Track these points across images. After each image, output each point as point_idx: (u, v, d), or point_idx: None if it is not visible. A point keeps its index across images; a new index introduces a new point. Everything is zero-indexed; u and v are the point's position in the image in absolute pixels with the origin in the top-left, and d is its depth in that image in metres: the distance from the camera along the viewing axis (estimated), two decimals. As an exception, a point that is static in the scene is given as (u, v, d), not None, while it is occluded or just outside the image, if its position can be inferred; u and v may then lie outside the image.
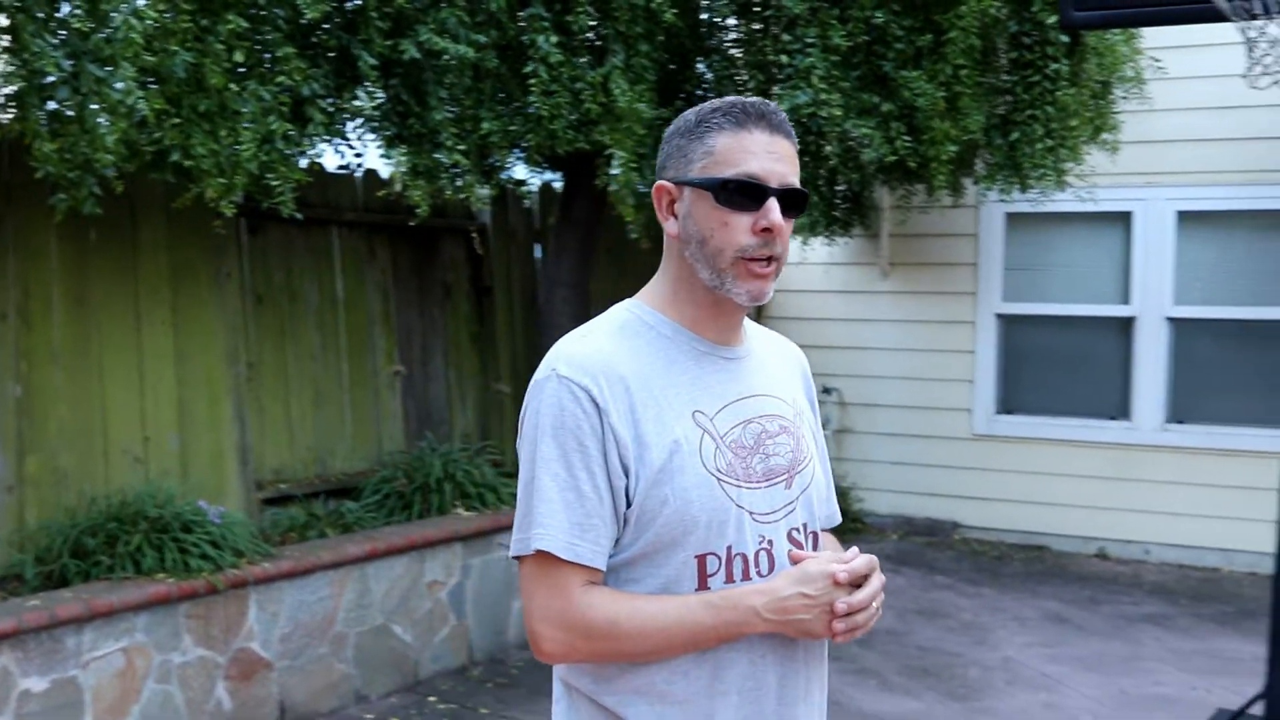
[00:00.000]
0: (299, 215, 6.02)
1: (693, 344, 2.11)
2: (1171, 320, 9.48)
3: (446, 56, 5.92)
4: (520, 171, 8.14)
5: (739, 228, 2.02)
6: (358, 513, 6.74)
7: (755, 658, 2.05)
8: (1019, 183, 7.80)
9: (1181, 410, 9.51)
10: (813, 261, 10.35)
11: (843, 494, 10.24)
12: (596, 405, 1.99)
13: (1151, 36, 8.37)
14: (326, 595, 6.04)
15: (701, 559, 2.02)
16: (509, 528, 7.19)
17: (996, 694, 6.49)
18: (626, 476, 2.00)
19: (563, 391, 2.01)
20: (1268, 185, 8.80)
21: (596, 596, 2.00)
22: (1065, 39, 7.26)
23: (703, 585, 2.02)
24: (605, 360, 2.04)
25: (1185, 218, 9.43)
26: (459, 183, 6.45)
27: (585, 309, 8.00)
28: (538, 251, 8.62)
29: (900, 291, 10.33)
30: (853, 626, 2.02)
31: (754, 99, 2.07)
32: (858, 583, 2.03)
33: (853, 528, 10.08)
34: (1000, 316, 10.02)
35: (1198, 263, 9.46)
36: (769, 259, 2.05)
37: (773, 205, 2.02)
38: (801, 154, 6.86)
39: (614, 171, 6.53)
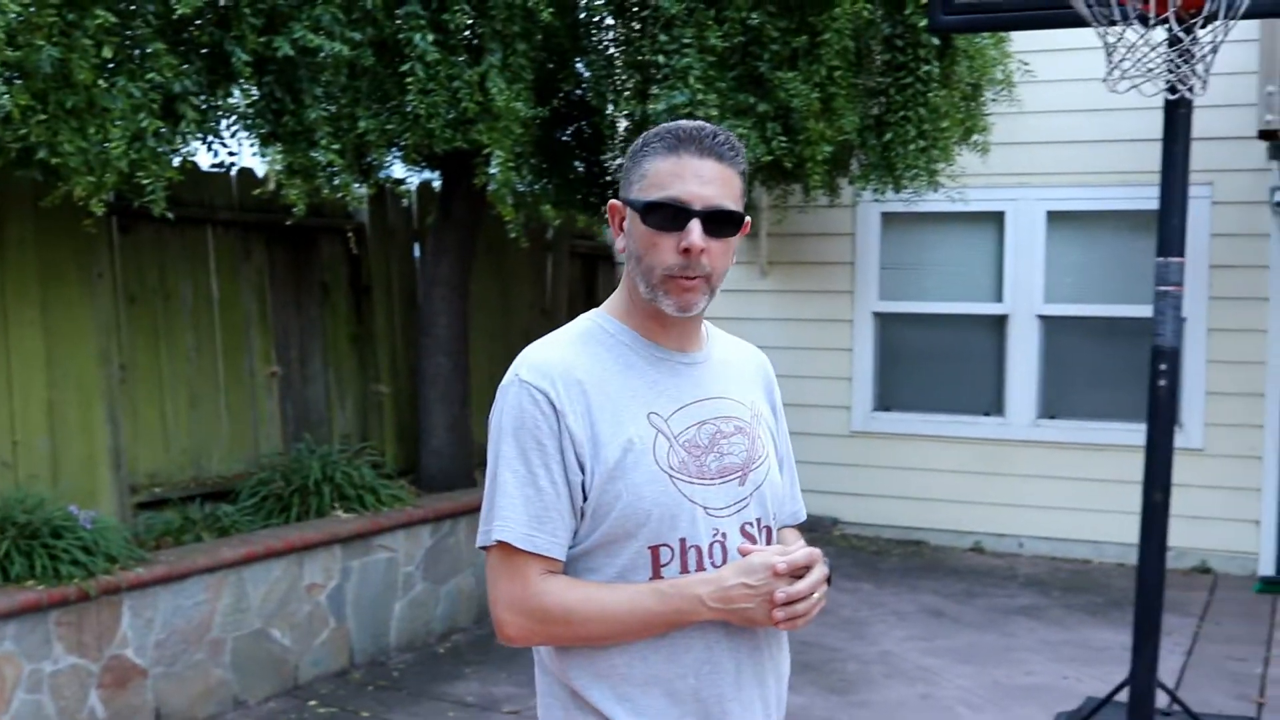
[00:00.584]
0: (170, 215, 5.92)
1: (650, 350, 2.25)
2: (1042, 318, 9.69)
3: (322, 54, 5.86)
4: (398, 170, 8.11)
5: (665, 248, 2.15)
6: (234, 516, 6.64)
7: (711, 642, 2.19)
8: (893, 183, 7.92)
9: (1052, 405, 9.73)
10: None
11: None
12: (554, 406, 2.14)
13: (1020, 40, 8.55)
14: (202, 600, 5.95)
15: (655, 550, 2.16)
16: (389, 529, 7.14)
17: (874, 687, 6.58)
18: (583, 472, 2.15)
19: (523, 395, 2.16)
20: (1133, 186, 9.02)
21: (553, 584, 2.15)
22: (936, 42, 7.39)
23: (656, 574, 2.17)
24: (565, 366, 2.19)
25: (1055, 217, 9.64)
26: (336, 182, 6.39)
27: (465, 308, 7.97)
28: (417, 251, 8.56)
29: (779, 290, 10.43)
30: (793, 615, 2.12)
31: (694, 123, 2.19)
32: (798, 574, 2.14)
33: (734, 525, 10.14)
34: (877, 315, 10.17)
35: (1067, 261, 9.68)
36: (695, 276, 2.16)
37: (694, 227, 2.12)
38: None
39: (492, 171, 6.51)
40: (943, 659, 7.05)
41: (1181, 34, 4.14)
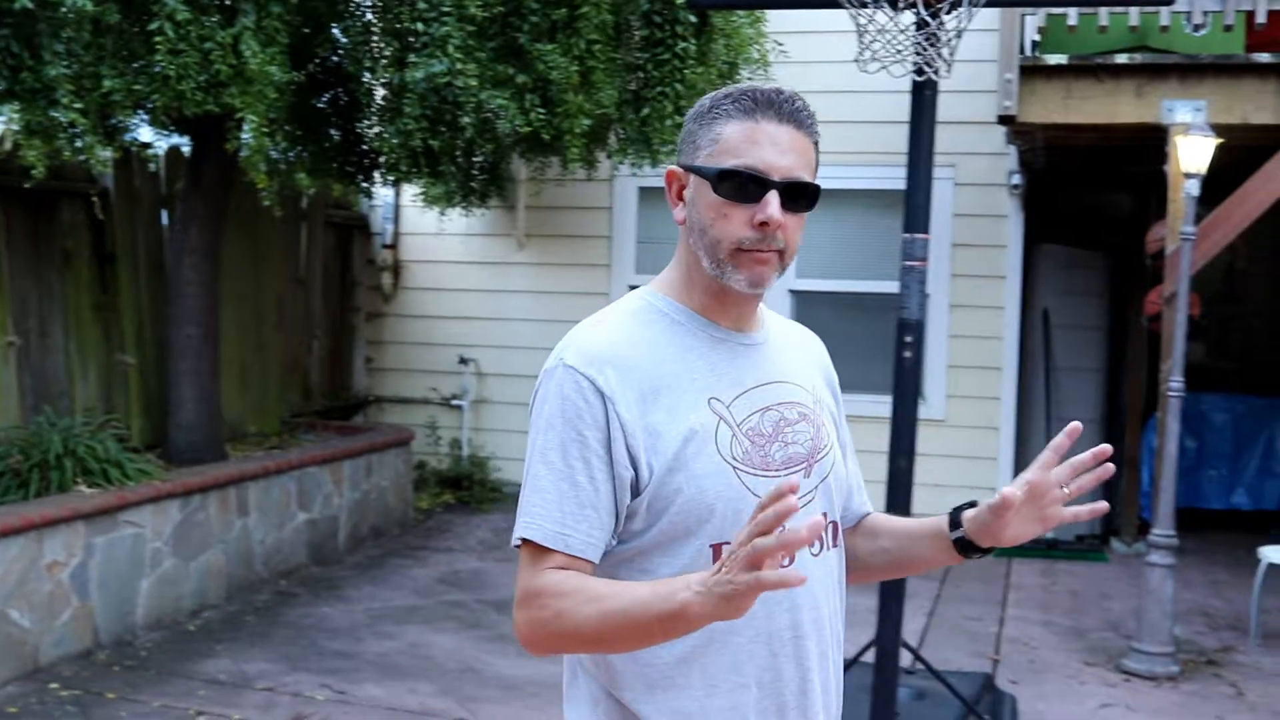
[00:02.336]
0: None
1: (707, 330, 2.05)
2: (794, 292, 9.93)
3: (63, 8, 5.61)
4: (146, 134, 7.82)
5: (737, 220, 1.96)
6: (-32, 492, 6.34)
7: (776, 648, 1.99)
8: (650, 157, 7.99)
9: (802, 378, 9.97)
10: (450, 233, 10.34)
11: (481, 464, 10.30)
12: (601, 395, 1.94)
13: (775, 20, 8.72)
14: (-67, 580, 5.66)
15: (717, 549, 1.94)
16: (135, 505, 6.89)
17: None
18: (635, 468, 1.93)
19: (567, 381, 1.96)
20: (881, 166, 9.32)
21: (558, 575, 1.90)
22: (694, 19, 7.49)
23: None
24: (615, 348, 1.99)
25: (807, 195, 9.88)
26: (78, 143, 6.13)
27: (215, 277, 7.76)
28: (165, 218, 8.29)
29: (536, 263, 10.45)
30: (765, 551, 1.63)
31: (771, 87, 2.00)
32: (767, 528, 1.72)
33: (491, 496, 10.15)
34: (633, 289, 10.21)
35: (817, 238, 9.94)
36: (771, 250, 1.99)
37: (771, 199, 1.94)
38: (437, 123, 6.89)
39: (245, 136, 6.35)
40: (697, 625, 7.19)
41: (929, 18, 4.30)
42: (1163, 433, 6.75)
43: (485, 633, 6.91)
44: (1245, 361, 12.44)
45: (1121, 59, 7.39)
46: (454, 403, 10.56)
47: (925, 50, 3.91)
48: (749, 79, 8.45)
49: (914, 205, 4.25)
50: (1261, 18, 7.29)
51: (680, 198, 2.06)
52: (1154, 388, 8.01)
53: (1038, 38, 7.94)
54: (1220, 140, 6.60)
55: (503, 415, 10.51)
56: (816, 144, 2.02)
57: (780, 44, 8.68)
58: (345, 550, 8.50)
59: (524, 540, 1.94)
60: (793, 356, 2.16)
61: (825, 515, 2.06)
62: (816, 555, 2.05)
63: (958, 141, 9.29)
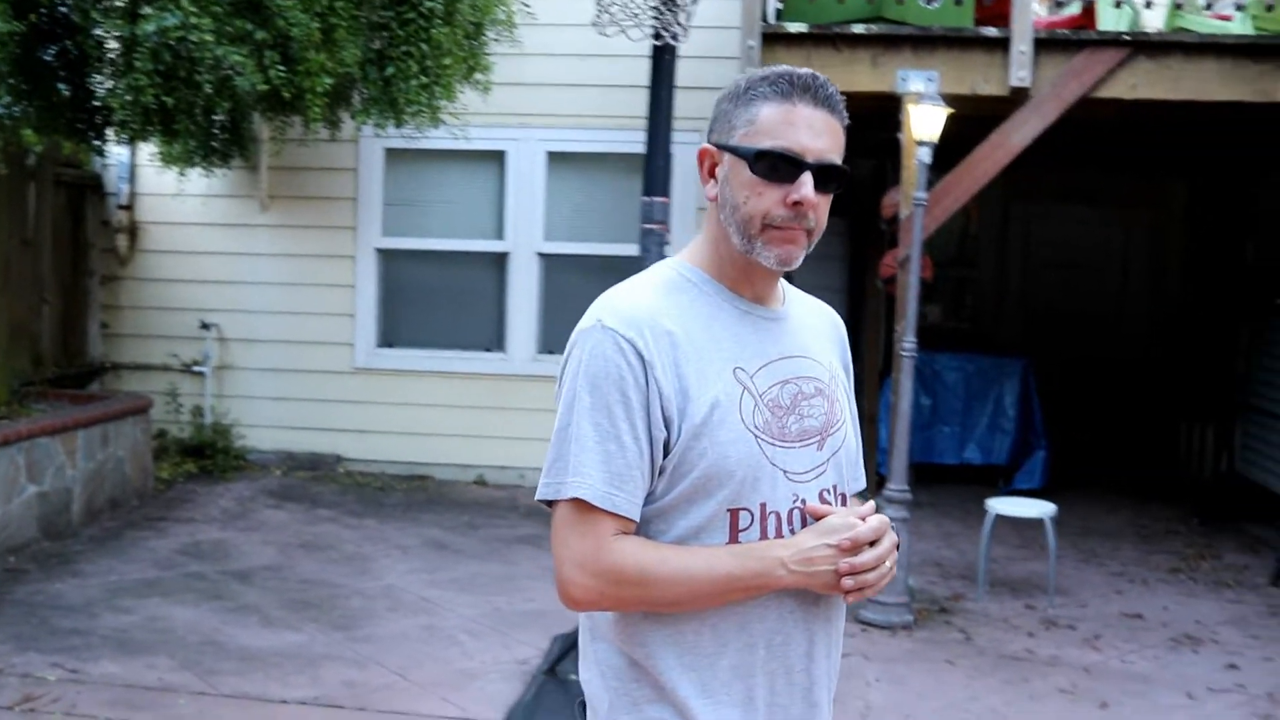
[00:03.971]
0: None
1: (734, 303, 2.14)
2: (542, 256, 9.94)
3: None
4: None
5: (770, 198, 2.05)
6: None
7: (784, 612, 2.09)
8: (395, 118, 7.87)
9: (552, 341, 10.03)
10: (190, 193, 9.98)
11: (224, 431, 10.03)
12: (641, 358, 2.02)
13: (522, -18, 8.68)
14: None
15: (734, 513, 2.05)
16: None
17: (378, 621, 6.61)
18: (667, 429, 2.02)
19: (607, 342, 2.02)
20: (626, 130, 9.37)
21: (629, 544, 2.02)
22: (439, -23, 7.39)
23: (734, 539, 2.05)
24: (650, 314, 2.06)
25: (554, 158, 9.91)
26: None
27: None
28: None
29: (279, 225, 10.19)
30: (863, 585, 2.05)
31: (806, 71, 2.08)
32: (865, 543, 2.06)
33: (235, 465, 9.90)
34: (380, 251, 10.13)
35: (565, 201, 9.98)
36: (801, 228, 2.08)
37: (806, 180, 2.04)
38: (171, 79, 6.64)
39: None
40: (446, 590, 7.16)
41: (667, -17, 4.33)
42: (897, 391, 6.99)
43: (227, 604, 6.74)
44: (977, 322, 12.99)
45: (859, 29, 7.58)
46: (195, 369, 10.24)
47: (663, 15, 3.94)
48: (495, 41, 8.39)
49: (653, 168, 4.29)
50: (989, -8, 7.59)
51: (712, 174, 2.14)
52: (891, 348, 8.28)
53: (780, 6, 8.08)
54: (951, 110, 6.84)
55: (247, 381, 10.25)
56: (846, 127, 2.10)
57: (527, 5, 8.63)
58: (80, 524, 8.17)
59: (572, 499, 2.01)
60: (812, 332, 2.26)
61: (835, 487, 2.17)
62: None
63: (704, 106, 9.33)
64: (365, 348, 10.17)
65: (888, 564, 2.07)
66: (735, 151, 2.07)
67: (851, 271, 10.40)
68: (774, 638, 2.08)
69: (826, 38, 7.56)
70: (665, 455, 2.04)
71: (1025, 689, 6.03)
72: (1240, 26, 7.89)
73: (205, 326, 10.17)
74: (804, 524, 2.09)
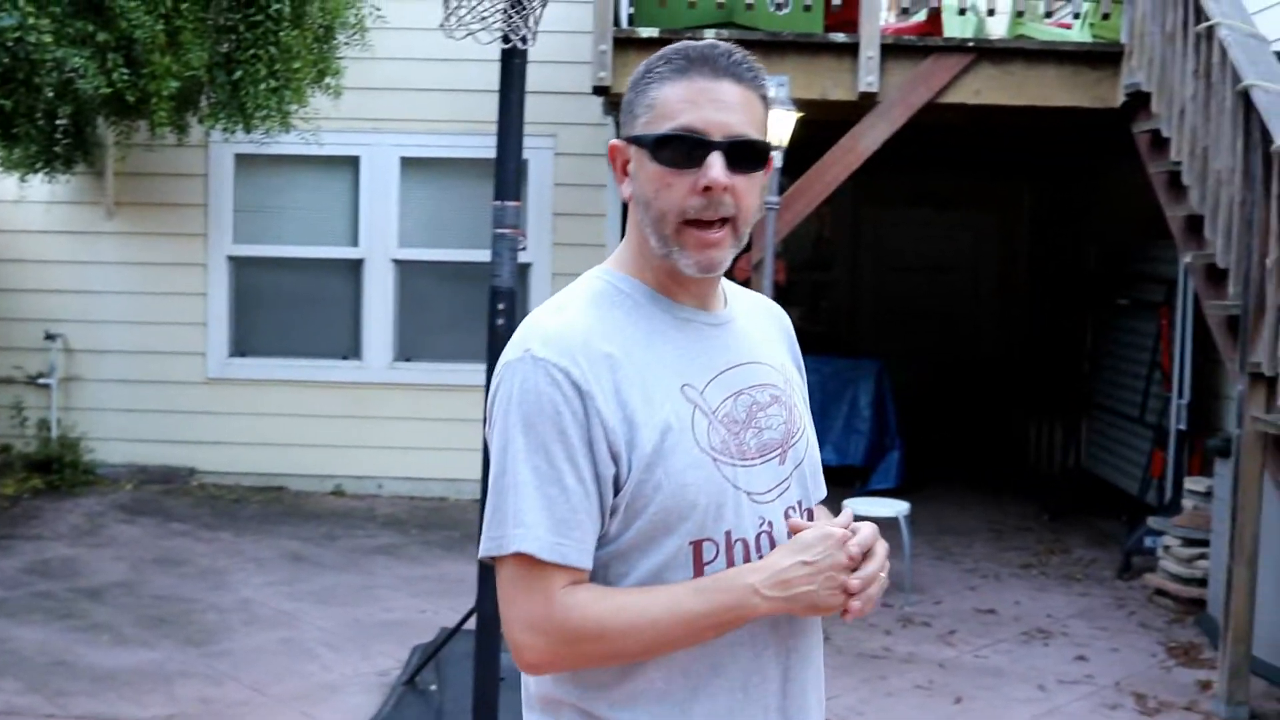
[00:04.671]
0: None
1: (672, 311, 1.91)
2: (397, 262, 9.87)
3: None
4: None
5: (680, 188, 1.81)
6: None
7: (759, 649, 1.89)
8: (244, 123, 7.75)
9: (408, 348, 9.95)
10: (33, 200, 9.71)
11: (72, 445, 9.77)
12: (579, 389, 1.78)
13: (372, -15, 8.61)
14: None
15: (697, 545, 1.83)
16: None
17: (234, 636, 6.49)
18: (616, 464, 1.80)
19: (539, 375, 1.79)
20: (480, 135, 9.31)
21: (581, 596, 1.79)
22: (288, -20, 7.29)
23: (699, 573, 1.83)
24: (584, 336, 1.83)
25: (409, 163, 9.84)
26: None
27: None
28: None
29: (127, 232, 9.96)
30: (867, 600, 1.85)
31: (704, 42, 1.85)
32: (861, 554, 1.86)
33: (84, 480, 9.65)
34: (232, 258, 9.95)
35: (420, 207, 9.92)
36: (721, 221, 1.83)
37: (714, 161, 1.80)
38: (8, 82, 6.46)
39: None
40: (304, 602, 7.06)
41: (516, -14, 4.32)
42: (753, 394, 7.05)
43: (77, 623, 6.57)
44: (833, 325, 13.18)
45: (710, 34, 7.64)
46: (41, 381, 9.96)
47: (511, 18, 3.94)
48: (346, 44, 8.31)
49: (504, 173, 4.28)
50: (837, 0, 7.70)
51: (625, 173, 1.92)
52: (746, 351, 8.35)
53: (633, 11, 8.12)
54: (801, 114, 6.93)
55: (95, 393, 9.99)
56: (765, 98, 1.88)
57: (378, 9, 8.56)
58: (-83, 543, 7.91)
59: (515, 553, 1.79)
60: (759, 334, 2.05)
61: (800, 502, 1.97)
62: None
63: (559, 111, 9.43)
64: (218, 357, 9.98)
65: (883, 574, 1.88)
66: (639, 142, 1.86)
67: (708, 275, 10.46)
68: (751, 678, 1.89)
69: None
70: (616, 493, 1.81)
71: (882, 686, 6.13)
72: (1079, 34, 8.13)
73: (50, 337, 9.89)
74: (773, 548, 1.88)
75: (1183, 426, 8.63)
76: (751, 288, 7.28)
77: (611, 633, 1.78)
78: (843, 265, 13.38)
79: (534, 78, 7.98)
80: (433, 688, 5.59)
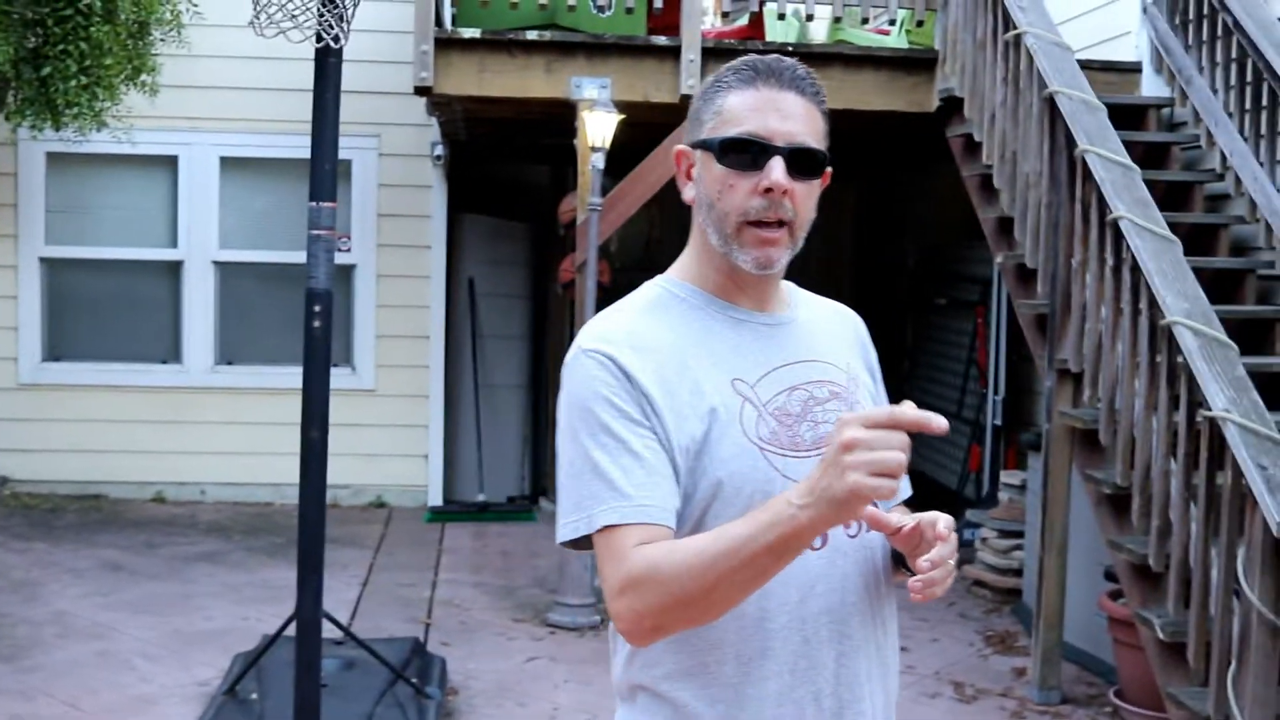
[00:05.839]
0: None
1: (727, 312, 2.01)
2: (218, 264, 9.68)
3: None
4: None
5: (742, 189, 1.92)
6: None
7: (809, 635, 1.93)
8: (53, 120, 7.52)
9: (230, 352, 9.77)
10: None
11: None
12: (625, 373, 1.88)
13: (188, -19, 8.41)
14: None
15: None
16: None
17: (47, 649, 6.30)
18: (665, 446, 1.88)
19: (590, 364, 1.90)
20: (301, 135, 9.12)
21: (644, 549, 1.82)
22: (98, -26, 7.10)
23: None
24: (633, 332, 1.94)
25: (228, 163, 9.66)
26: None
27: None
28: None
29: (-69, 235, 9.61)
30: (930, 582, 1.83)
31: (770, 57, 1.96)
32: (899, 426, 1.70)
33: (-114, 491, 9.29)
34: (44, 260, 9.65)
35: (241, 208, 9.75)
36: (778, 223, 1.93)
37: (775, 164, 1.90)
38: None
39: None
40: (122, 613, 6.89)
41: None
42: (578, 394, 7.07)
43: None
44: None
45: (532, 35, 7.64)
46: None
47: (323, 16, 3.89)
48: (162, 40, 8.12)
49: (320, 174, 4.23)
50: (659, 3, 7.77)
51: (689, 176, 2.03)
52: (573, 352, 8.37)
53: (455, 11, 8.08)
54: (623, 116, 6.98)
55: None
56: (824, 111, 1.99)
57: (195, 5, 8.36)
58: None
59: (603, 528, 1.85)
60: (825, 335, 2.11)
61: None
62: (854, 537, 1.99)
63: (383, 111, 9.36)
64: (30, 362, 9.67)
65: (951, 562, 1.88)
66: (704, 146, 1.98)
67: (534, 277, 10.48)
68: (799, 662, 1.93)
69: (501, 44, 7.59)
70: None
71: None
72: (895, 40, 8.32)
73: None
74: (824, 542, 1.93)
75: (998, 422, 8.90)
76: (575, 288, 7.32)
77: (665, 569, 1.79)
78: (669, 264, 13.48)
79: (357, 77, 7.95)
80: (253, 696, 5.49)
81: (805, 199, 1.96)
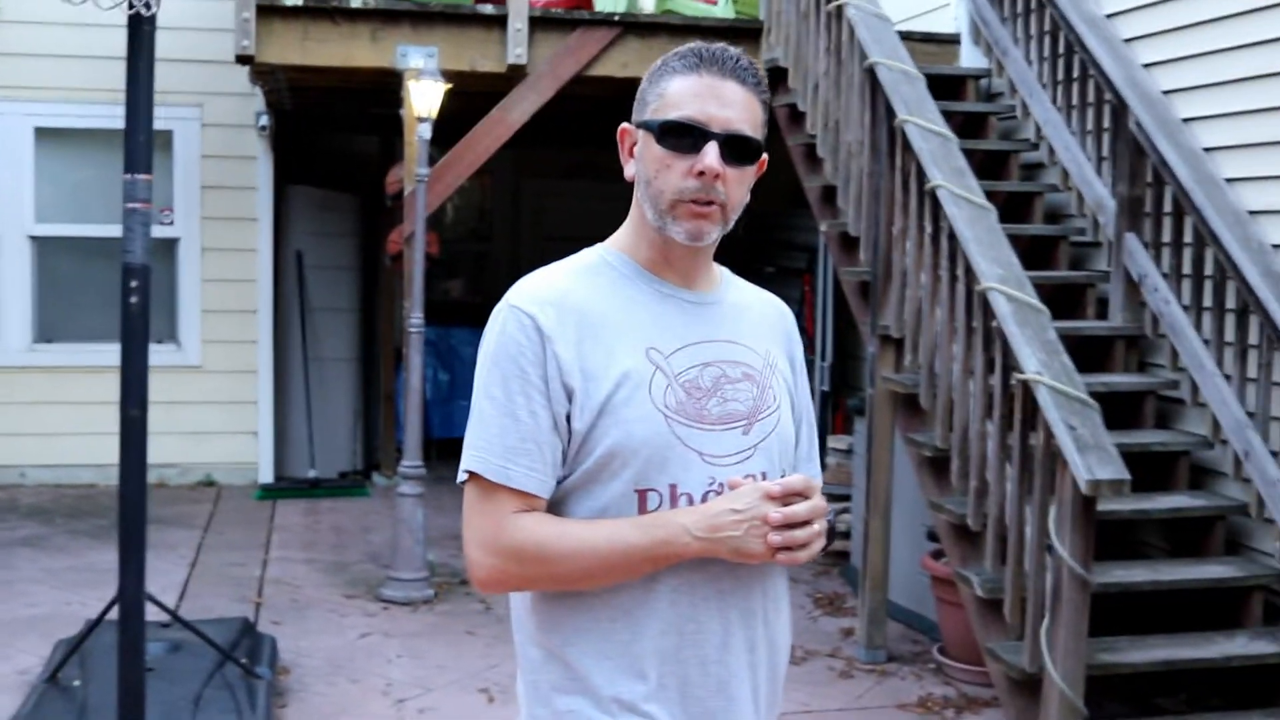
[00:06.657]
0: None
1: (654, 285, 2.10)
2: (34, 239, 9.38)
3: None
4: None
5: (678, 170, 2.01)
6: None
7: (698, 599, 2.03)
8: None
9: (49, 329, 9.50)
10: None
11: None
12: (540, 331, 1.98)
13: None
14: None
15: (642, 494, 2.00)
16: None
17: None
18: (569, 403, 1.98)
19: (510, 319, 2.01)
20: (118, 105, 8.87)
21: (528, 520, 1.98)
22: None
23: None
24: (560, 292, 2.04)
25: (43, 134, 9.36)
26: None
27: None
28: None
29: None
30: (791, 542, 1.95)
31: (717, 45, 2.06)
32: (792, 500, 1.97)
33: None
34: None
35: (58, 180, 9.45)
36: (709, 202, 2.02)
37: (710, 149, 1.99)
38: None
39: None
40: (-69, 602, 6.68)
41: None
42: (408, 368, 7.02)
43: None
44: (493, 295, 13.20)
45: (356, 3, 7.53)
46: None
47: (133, -16, 3.79)
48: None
49: (134, 145, 4.12)
50: (486, -30, 7.71)
51: (631, 154, 2.12)
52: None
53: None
54: (450, 86, 6.92)
55: None
56: (765, 102, 2.09)
57: (4, -29, 8.10)
58: None
59: (470, 475, 2.00)
60: (750, 321, 2.20)
61: (764, 474, 2.07)
62: None
63: (205, 81, 9.16)
64: None
65: (817, 525, 1.99)
66: (645, 126, 2.07)
67: (364, 248, 10.35)
68: (687, 625, 2.03)
69: (324, 11, 7.46)
70: (571, 434, 2.01)
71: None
72: (722, 10, 8.36)
73: None
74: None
75: (826, 388, 9.05)
76: (404, 260, 7.25)
77: (552, 555, 1.97)
78: (503, 237, 13.44)
79: (176, 45, 7.77)
80: (76, 683, 5.35)
81: (737, 184, 2.06)
